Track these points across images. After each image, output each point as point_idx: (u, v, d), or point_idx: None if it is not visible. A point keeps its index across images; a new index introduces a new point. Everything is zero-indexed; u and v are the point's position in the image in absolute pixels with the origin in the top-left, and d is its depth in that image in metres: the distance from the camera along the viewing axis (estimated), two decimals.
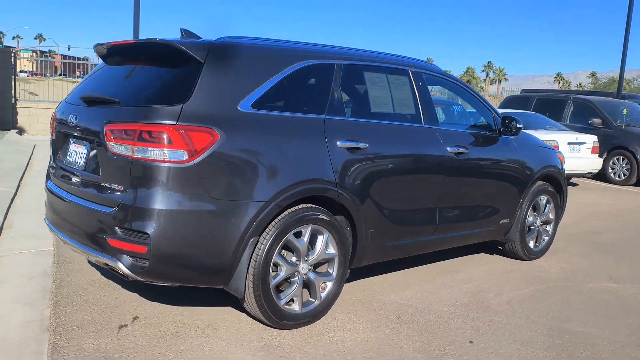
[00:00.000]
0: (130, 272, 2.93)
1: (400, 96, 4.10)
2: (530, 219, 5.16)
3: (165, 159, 2.85)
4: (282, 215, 3.22)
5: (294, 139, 3.27)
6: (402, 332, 3.46)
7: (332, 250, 3.51)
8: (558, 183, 5.43)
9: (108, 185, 3.03)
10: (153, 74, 3.23)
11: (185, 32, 3.64)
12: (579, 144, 9.94)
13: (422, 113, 4.11)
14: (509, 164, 4.78)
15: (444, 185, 4.18)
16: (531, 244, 5.25)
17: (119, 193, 2.96)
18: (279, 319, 3.27)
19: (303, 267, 3.37)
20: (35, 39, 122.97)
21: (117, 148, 2.94)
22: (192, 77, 3.01)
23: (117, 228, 2.94)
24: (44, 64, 55.93)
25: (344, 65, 3.70)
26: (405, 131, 3.99)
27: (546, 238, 5.43)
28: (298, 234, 3.33)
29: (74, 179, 3.35)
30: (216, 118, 2.98)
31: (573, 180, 11.15)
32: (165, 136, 2.84)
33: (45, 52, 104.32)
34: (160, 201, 2.86)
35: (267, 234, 3.15)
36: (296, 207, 3.28)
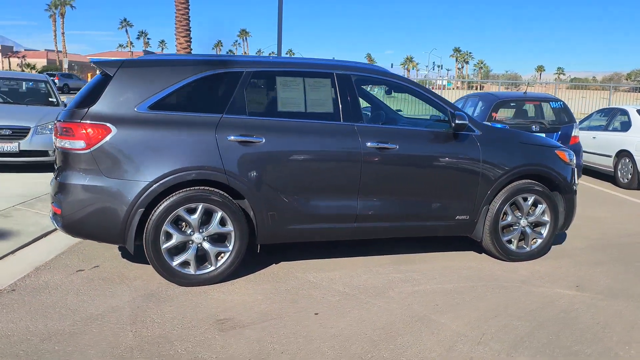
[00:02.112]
0: (57, 227, 4.14)
1: (318, 97, 4.58)
2: (509, 218, 5.00)
3: (71, 147, 3.99)
4: (174, 193, 4.07)
5: (184, 133, 4.10)
6: (271, 299, 4.02)
7: (229, 227, 4.23)
8: (554, 183, 5.10)
9: (55, 167, 4.29)
10: (89, 85, 4.38)
11: (145, 52, 4.73)
12: None
13: (342, 111, 4.50)
14: (462, 160, 4.77)
15: (364, 178, 4.48)
16: (513, 244, 5.06)
17: (56, 172, 4.20)
18: (170, 275, 4.14)
19: (197, 238, 4.17)
20: (286, 54, 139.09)
21: (55, 140, 4.17)
22: (103, 87, 4.09)
23: (54, 196, 4.17)
24: None
25: (253, 72, 4.38)
26: (313, 128, 4.45)
27: (539, 241, 5.14)
28: (193, 210, 4.15)
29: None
30: (113, 117, 4.00)
31: None
32: (70, 131, 3.97)
33: None
34: (68, 178, 4.00)
35: (159, 207, 4.05)
36: (189, 188, 4.11)
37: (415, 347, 3.33)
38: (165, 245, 4.11)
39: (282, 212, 4.35)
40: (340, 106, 4.52)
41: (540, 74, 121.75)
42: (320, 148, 4.42)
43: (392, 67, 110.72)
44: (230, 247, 4.26)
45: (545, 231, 5.16)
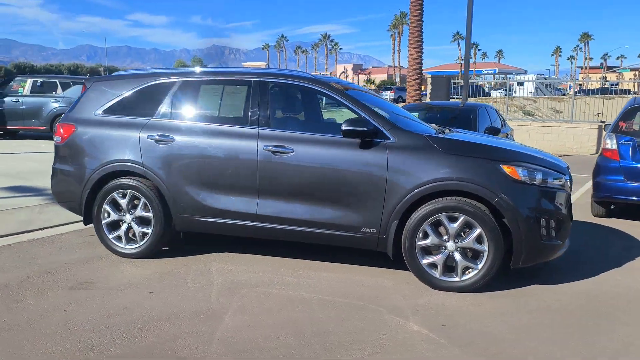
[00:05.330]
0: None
1: (232, 103, 4.94)
2: (429, 239, 4.36)
3: (56, 141, 5.42)
4: (113, 180, 5.12)
5: (118, 133, 5.10)
6: (152, 276, 4.67)
7: (150, 212, 5.05)
8: (491, 204, 4.22)
9: None
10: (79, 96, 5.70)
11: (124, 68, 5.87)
12: None
13: (250, 116, 4.79)
14: (362, 169, 4.45)
15: (261, 179, 4.68)
16: (436, 271, 4.38)
17: None
18: (106, 246, 5.20)
19: (127, 218, 5.12)
20: (639, 57, 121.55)
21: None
22: (80, 97, 5.41)
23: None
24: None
25: (183, 81, 5.08)
26: (220, 131, 4.84)
27: (472, 272, 4.32)
28: (124, 195, 5.11)
29: None
30: (79, 119, 5.29)
31: None
32: (56, 129, 5.41)
33: None
34: (54, 163, 5.45)
35: (100, 191, 5.15)
36: (123, 177, 5.09)
37: (170, 332, 3.60)
38: (104, 221, 5.18)
39: (189, 204, 4.92)
40: (250, 111, 4.81)
41: None
42: (222, 149, 4.81)
43: None
44: (150, 231, 5.06)
45: (481, 263, 4.28)
